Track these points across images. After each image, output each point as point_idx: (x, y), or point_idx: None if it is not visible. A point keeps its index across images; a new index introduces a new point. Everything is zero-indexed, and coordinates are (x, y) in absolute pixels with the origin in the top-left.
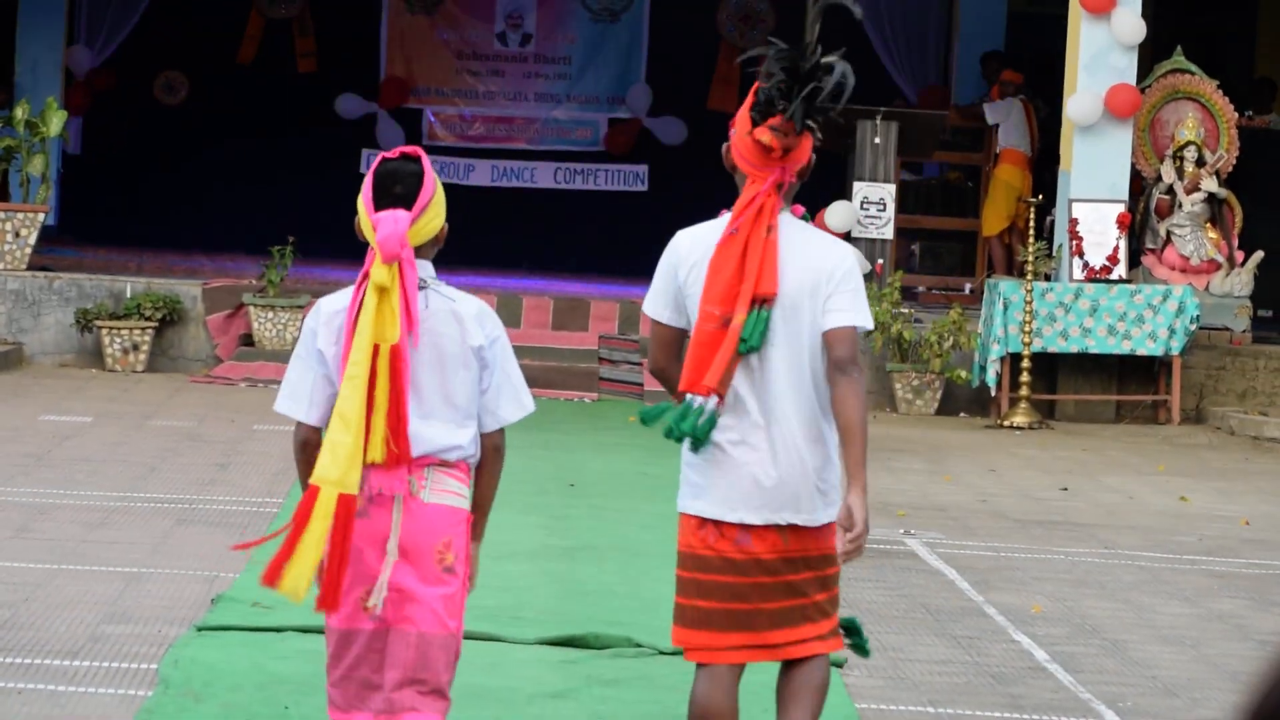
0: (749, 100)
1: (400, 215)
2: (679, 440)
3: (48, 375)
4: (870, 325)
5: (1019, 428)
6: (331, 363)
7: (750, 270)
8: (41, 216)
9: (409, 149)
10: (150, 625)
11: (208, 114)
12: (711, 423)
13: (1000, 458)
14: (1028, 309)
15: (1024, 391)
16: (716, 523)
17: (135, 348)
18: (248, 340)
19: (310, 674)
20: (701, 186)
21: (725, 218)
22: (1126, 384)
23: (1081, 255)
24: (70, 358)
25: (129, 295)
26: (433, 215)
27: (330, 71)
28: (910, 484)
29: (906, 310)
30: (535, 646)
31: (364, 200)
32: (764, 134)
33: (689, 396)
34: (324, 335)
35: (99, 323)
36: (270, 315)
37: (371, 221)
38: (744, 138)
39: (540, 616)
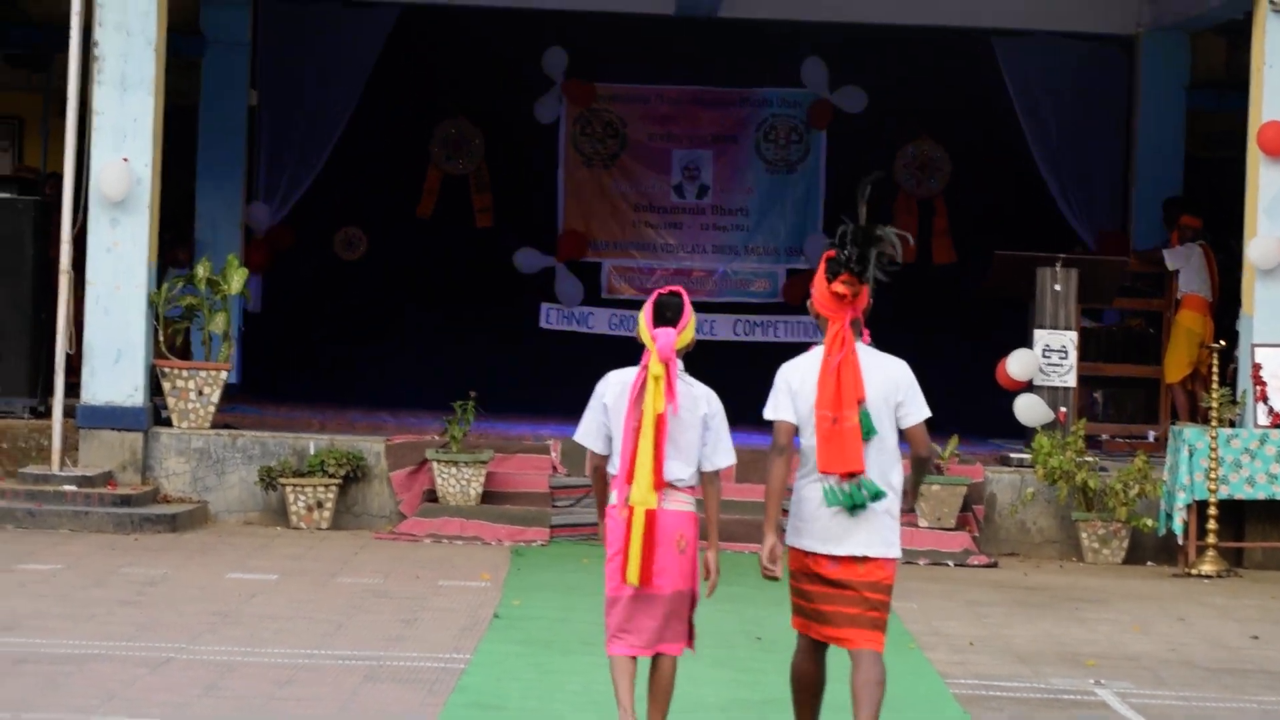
0: (822, 266)
1: (670, 332)
2: (858, 508)
3: (233, 533)
4: (929, 413)
5: (1207, 576)
6: (610, 412)
7: (847, 383)
8: (224, 374)
9: (674, 288)
10: None
11: (387, 269)
12: (873, 488)
13: (1189, 606)
14: (1213, 456)
15: (1211, 539)
16: (816, 555)
17: (319, 505)
18: (431, 496)
19: None
20: (879, 336)
21: (818, 350)
22: None
23: (1266, 400)
24: (255, 515)
25: (312, 452)
26: (689, 332)
27: (508, 226)
28: (1100, 634)
29: (1091, 458)
30: None
31: (645, 319)
32: (838, 286)
33: (837, 477)
34: (610, 394)
35: (283, 480)
36: (454, 471)
37: (652, 335)
38: (823, 291)
39: None
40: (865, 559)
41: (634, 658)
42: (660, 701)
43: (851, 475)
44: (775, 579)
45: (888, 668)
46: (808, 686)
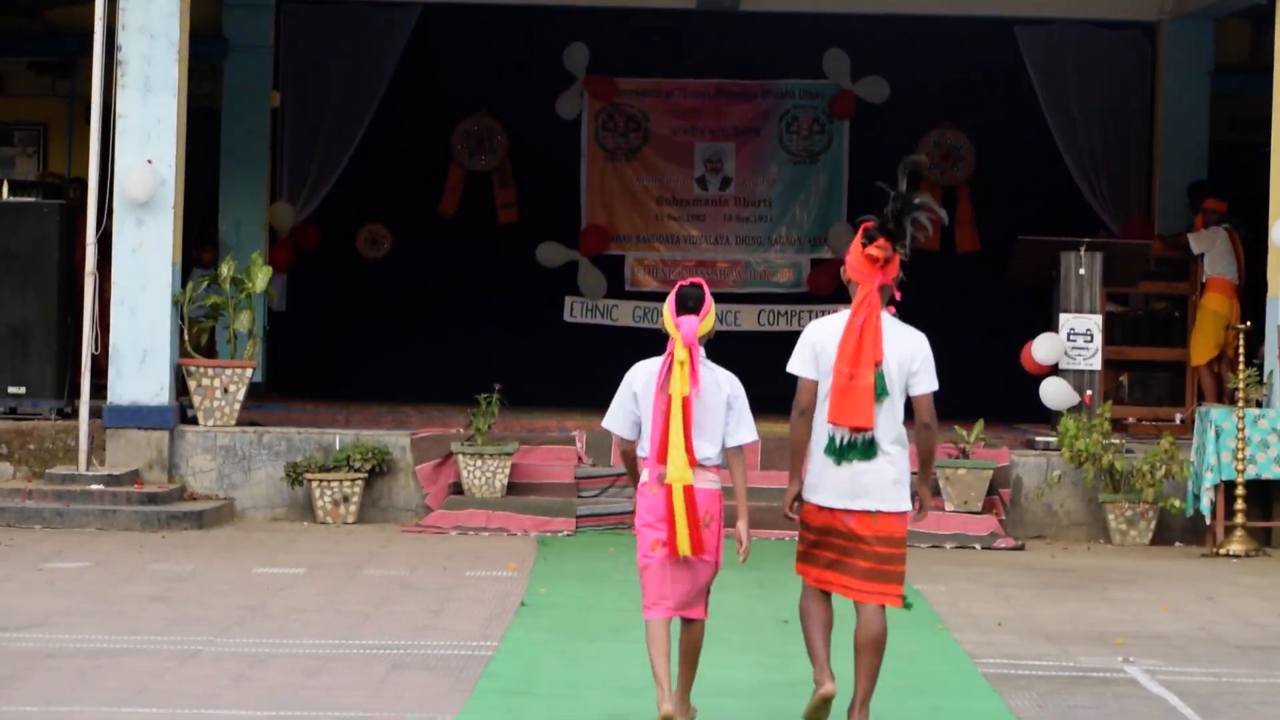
0: (859, 233)
1: (693, 319)
2: (855, 459)
3: (259, 529)
4: (937, 386)
5: (1236, 555)
6: (640, 400)
7: (868, 343)
8: (249, 372)
9: (696, 280)
10: None
11: (411, 266)
12: (874, 447)
13: (1218, 585)
14: (1240, 436)
15: (1239, 519)
16: (830, 509)
17: (345, 499)
18: (457, 489)
19: None
20: (905, 322)
21: (845, 312)
22: None
23: None
24: (281, 511)
25: (338, 447)
26: (709, 320)
27: (531, 221)
28: (1128, 613)
29: (1117, 440)
30: None
31: (669, 309)
32: (873, 249)
33: (845, 431)
34: (638, 384)
35: (309, 475)
36: (479, 463)
37: (676, 323)
38: (858, 254)
39: None
40: (878, 513)
41: (668, 623)
42: (690, 658)
43: (858, 430)
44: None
45: (914, 649)
46: (818, 617)
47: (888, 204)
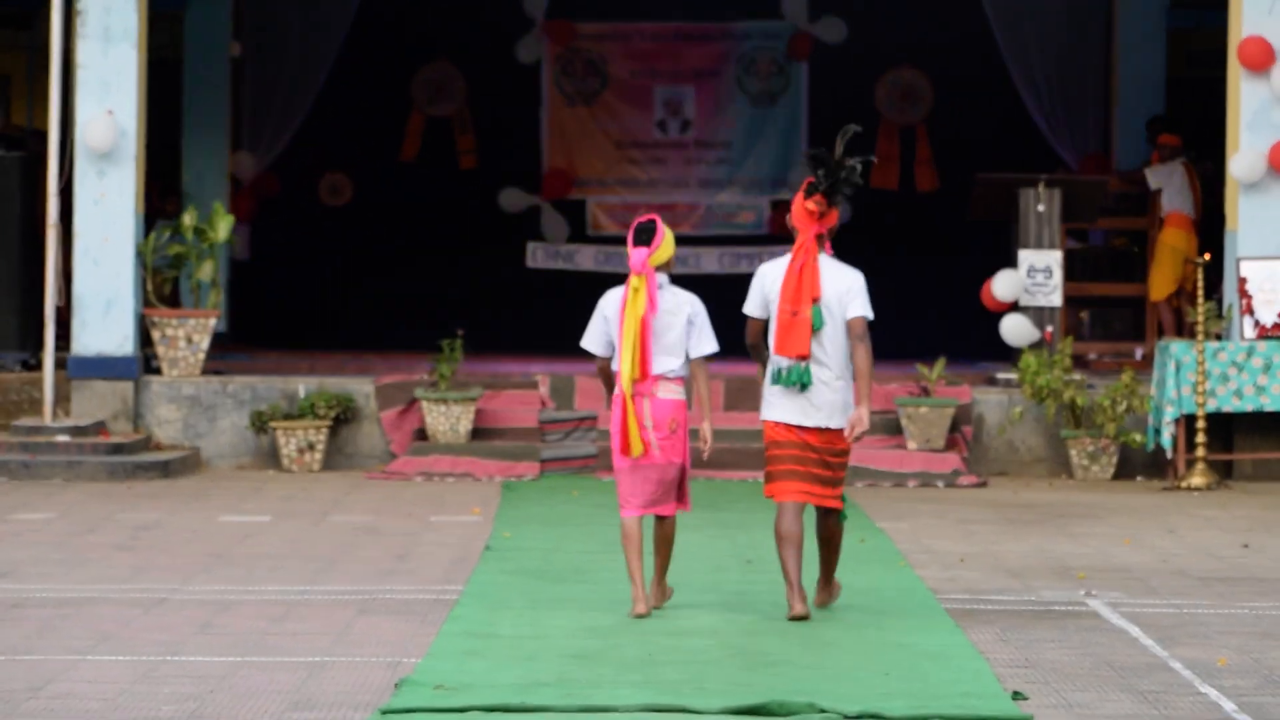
0: (803, 185)
1: (643, 250)
2: (802, 387)
3: (225, 478)
4: (871, 315)
5: (1197, 489)
6: (610, 322)
7: (806, 284)
8: (213, 321)
9: (651, 215)
10: (335, 711)
11: (372, 213)
12: (809, 373)
13: (1179, 518)
14: (1200, 370)
15: (1200, 452)
16: (787, 425)
17: (311, 447)
18: (422, 435)
19: None
20: (865, 263)
21: (788, 256)
22: None
23: (1252, 313)
24: (247, 460)
25: (302, 395)
26: (663, 251)
27: (492, 167)
28: (1090, 547)
29: (1078, 376)
30: (720, 716)
31: (629, 240)
32: (810, 204)
33: (789, 360)
34: (608, 308)
35: (274, 424)
36: (443, 409)
37: (630, 254)
38: (799, 205)
39: (724, 687)
40: (827, 429)
41: (639, 521)
42: (663, 549)
43: (800, 358)
44: None
45: (877, 585)
46: (791, 540)
47: (821, 168)
